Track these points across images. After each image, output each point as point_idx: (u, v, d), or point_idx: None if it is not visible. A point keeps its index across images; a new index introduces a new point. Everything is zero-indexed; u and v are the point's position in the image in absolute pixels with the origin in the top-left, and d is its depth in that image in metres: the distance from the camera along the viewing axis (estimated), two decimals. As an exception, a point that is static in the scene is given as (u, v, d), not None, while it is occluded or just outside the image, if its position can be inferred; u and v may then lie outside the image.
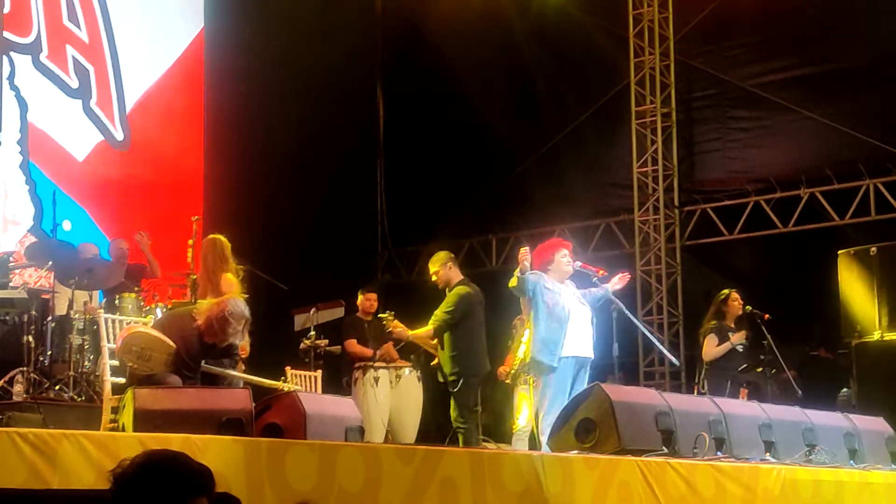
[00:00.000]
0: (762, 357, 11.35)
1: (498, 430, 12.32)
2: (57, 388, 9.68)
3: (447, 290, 10.58)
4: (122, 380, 7.95)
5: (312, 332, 11.33)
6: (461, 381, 10.23)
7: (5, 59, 12.58)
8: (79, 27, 13.48)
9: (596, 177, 15.95)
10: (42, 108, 13.04)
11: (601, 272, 9.72)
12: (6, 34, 12.55)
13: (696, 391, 12.06)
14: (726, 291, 11.76)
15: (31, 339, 9.95)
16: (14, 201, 12.67)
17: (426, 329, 10.50)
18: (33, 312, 10.16)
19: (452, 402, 10.34)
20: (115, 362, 8.08)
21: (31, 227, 12.60)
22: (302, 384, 9.88)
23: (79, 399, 9.55)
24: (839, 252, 12.77)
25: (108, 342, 8.46)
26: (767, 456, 8.43)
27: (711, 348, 11.50)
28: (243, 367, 8.90)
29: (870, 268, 12.35)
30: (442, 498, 6.12)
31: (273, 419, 6.75)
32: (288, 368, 10.09)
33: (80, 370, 9.78)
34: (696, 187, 15.33)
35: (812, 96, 14.04)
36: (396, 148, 17.27)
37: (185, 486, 2.89)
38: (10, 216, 12.63)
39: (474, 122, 16.26)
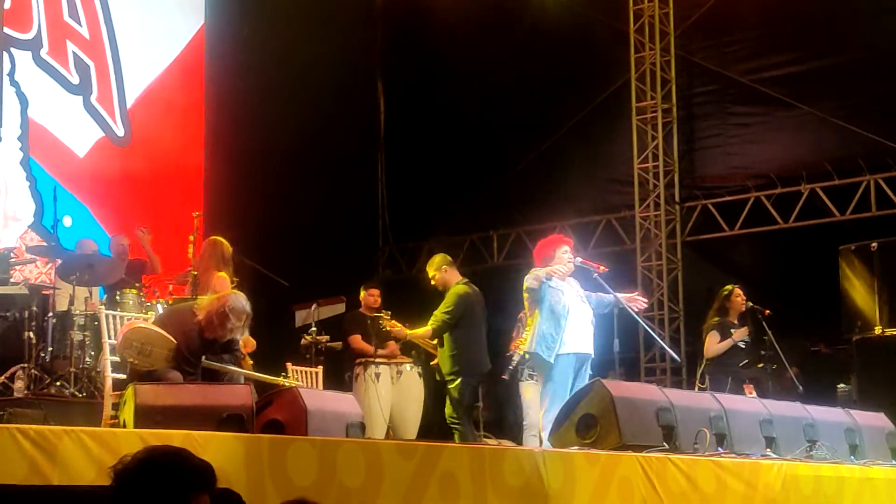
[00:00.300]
0: (763, 353, 11.35)
1: (499, 425, 12.34)
2: (58, 384, 9.68)
3: (446, 291, 10.60)
4: (122, 376, 7.96)
5: (313, 328, 11.33)
6: (459, 381, 10.26)
7: (6, 55, 12.57)
8: (79, 23, 13.47)
9: (596, 173, 15.94)
10: (42, 104, 13.03)
11: (602, 268, 9.70)
12: (6, 30, 12.54)
13: (696, 387, 12.06)
14: (729, 287, 11.75)
15: (31, 335, 9.95)
16: (14, 197, 12.67)
17: (425, 329, 10.52)
18: (34, 308, 10.16)
19: (448, 400, 10.38)
20: (116, 358, 8.09)
21: (31, 224, 12.59)
22: (303, 380, 9.89)
23: (80, 395, 9.56)
24: (840, 248, 12.78)
25: (109, 338, 8.47)
26: (768, 452, 8.44)
27: (713, 345, 11.50)
28: (251, 362, 8.91)
29: (870, 263, 12.36)
30: (442, 494, 6.12)
31: (274, 415, 6.75)
32: (289, 364, 10.10)
33: (80, 366, 9.78)
34: (697, 183, 15.32)
35: (813, 92, 14.03)
36: (397, 143, 17.26)
37: (186, 482, 2.89)
38: (10, 212, 12.62)
39: (475, 118, 16.26)
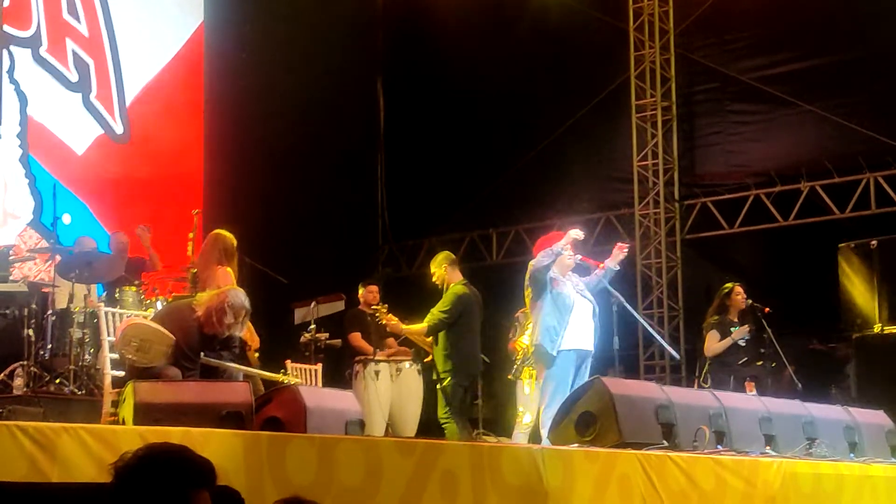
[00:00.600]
0: (762, 351, 11.35)
1: (499, 423, 12.33)
2: (57, 381, 9.68)
3: (446, 289, 10.63)
4: (122, 373, 7.95)
5: (313, 326, 11.32)
6: (451, 380, 10.29)
7: (5, 52, 12.57)
8: (78, 21, 13.47)
9: (596, 170, 15.95)
10: (42, 102, 13.03)
11: (602, 266, 9.73)
12: (6, 28, 12.53)
13: (696, 385, 12.06)
14: (730, 285, 11.75)
15: (31, 332, 9.94)
16: (14, 195, 12.66)
17: (420, 326, 10.55)
18: (33, 306, 10.15)
19: (439, 398, 10.42)
20: (116, 356, 8.08)
21: (30, 221, 12.59)
22: (302, 377, 9.88)
23: (79, 392, 9.55)
24: (839, 245, 12.79)
25: (109, 336, 8.46)
26: (768, 449, 8.44)
27: (713, 344, 11.50)
28: (256, 355, 8.91)
29: (870, 261, 12.36)
30: (442, 491, 6.12)
31: (273, 412, 6.75)
32: (288, 362, 10.09)
33: (80, 364, 9.77)
34: (697, 181, 15.33)
35: (812, 90, 14.03)
36: (397, 141, 17.26)
37: (186, 479, 2.89)
38: (9, 210, 12.62)
39: (474, 116, 16.26)
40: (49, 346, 10.06)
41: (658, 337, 12.16)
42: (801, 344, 13.34)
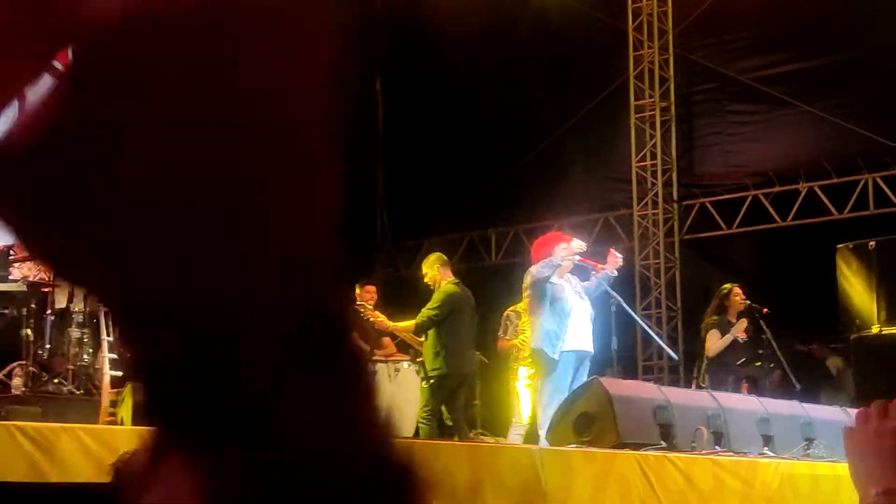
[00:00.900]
0: (761, 351, 11.36)
1: (495, 423, 12.33)
2: (56, 381, 9.67)
3: (436, 288, 10.64)
4: (121, 373, 7.96)
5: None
6: (438, 379, 10.30)
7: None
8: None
9: (595, 171, 15.95)
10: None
11: (600, 267, 9.74)
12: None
13: (694, 385, 12.07)
14: (728, 286, 11.75)
15: (29, 332, 9.93)
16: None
17: (408, 324, 10.57)
18: (32, 306, 10.14)
19: (421, 397, 10.45)
20: (115, 356, 8.09)
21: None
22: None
23: (78, 392, 9.55)
24: (838, 246, 12.79)
25: (108, 336, 8.47)
26: (766, 450, 8.46)
27: (714, 343, 11.49)
28: None
29: (868, 262, 12.37)
30: (440, 492, 6.12)
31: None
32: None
33: (79, 364, 9.76)
34: (695, 181, 15.34)
35: (811, 90, 14.04)
36: (396, 141, 17.26)
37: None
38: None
39: (473, 116, 16.26)
40: (48, 346, 10.05)
41: (656, 337, 12.18)
42: (789, 345, 13.35)
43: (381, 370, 11.01)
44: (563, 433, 7.92)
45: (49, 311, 10.19)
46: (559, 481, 6.65)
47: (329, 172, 0.87)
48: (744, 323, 11.44)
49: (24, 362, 9.74)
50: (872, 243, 12.43)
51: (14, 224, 0.84)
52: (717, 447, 8.08)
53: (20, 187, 0.83)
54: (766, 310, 11.47)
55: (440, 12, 16.17)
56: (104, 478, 2.95)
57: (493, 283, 11.71)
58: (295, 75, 0.86)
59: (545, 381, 9.30)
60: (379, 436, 0.94)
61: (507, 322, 10.93)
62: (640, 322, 11.70)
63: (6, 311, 10.26)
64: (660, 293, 15.07)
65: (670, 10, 15.37)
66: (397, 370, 11.02)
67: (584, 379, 9.00)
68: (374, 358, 11.05)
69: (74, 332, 9.96)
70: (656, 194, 15.25)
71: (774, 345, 11.27)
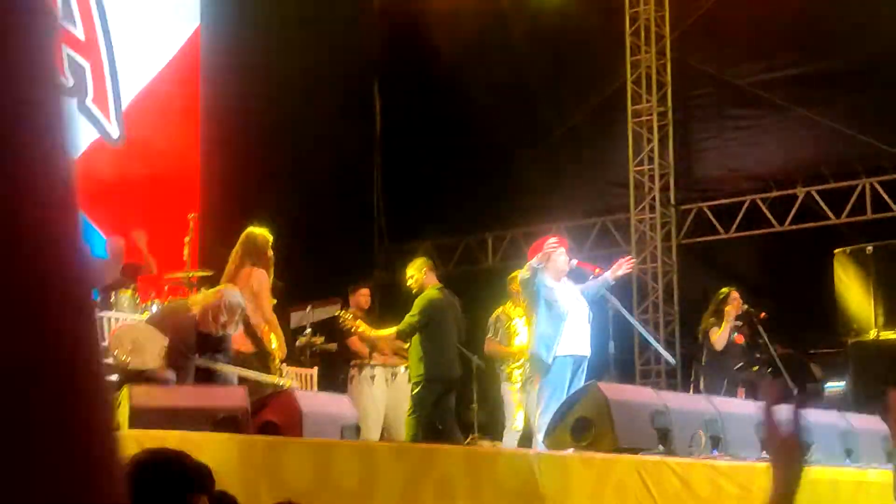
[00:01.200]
0: (758, 356, 11.36)
1: (493, 427, 12.32)
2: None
3: (421, 293, 10.62)
4: (117, 377, 7.94)
5: (308, 330, 11.32)
6: (423, 385, 10.29)
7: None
8: (74, 25, 13.45)
9: (592, 175, 15.96)
10: (38, 105, 13.00)
11: (598, 270, 9.74)
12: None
13: (691, 389, 12.07)
14: (726, 290, 11.75)
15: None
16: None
17: (390, 331, 10.56)
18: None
19: (412, 402, 10.44)
20: (110, 360, 8.07)
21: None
22: (298, 382, 9.88)
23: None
24: (835, 251, 12.80)
25: (104, 340, 8.45)
26: (763, 455, 8.43)
27: (717, 335, 11.45)
28: (279, 366, 8.85)
29: (866, 267, 12.37)
30: (438, 496, 6.12)
31: (269, 417, 6.75)
32: (284, 365, 10.09)
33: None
34: (693, 186, 15.35)
35: (808, 95, 14.05)
36: (394, 144, 17.26)
37: (186, 483, 2.89)
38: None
39: (471, 120, 16.25)
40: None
41: (654, 342, 12.16)
42: (796, 348, 13.35)
43: (380, 374, 11.00)
44: (560, 438, 7.92)
45: (45, 315, 10.18)
46: (557, 486, 6.65)
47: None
48: (738, 303, 11.42)
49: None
50: (870, 248, 12.44)
51: None
52: (714, 452, 8.07)
53: None
54: (763, 314, 11.47)
55: (438, 16, 16.18)
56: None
57: (490, 287, 11.70)
58: None
59: (542, 386, 9.29)
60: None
61: (498, 324, 10.87)
62: (638, 326, 11.68)
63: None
64: (657, 297, 15.06)
65: (668, 16, 15.37)
66: (395, 374, 11.01)
67: (582, 383, 8.99)
68: (373, 362, 11.04)
69: (71, 337, 9.94)
70: (654, 198, 15.25)
71: (772, 349, 11.28)
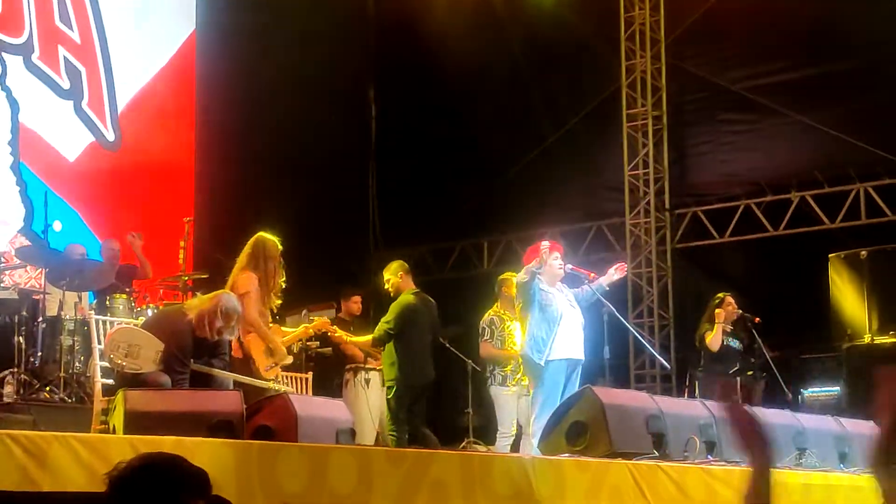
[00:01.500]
0: (753, 360, 11.37)
1: (488, 432, 12.32)
2: (47, 389, 9.65)
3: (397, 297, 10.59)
4: (112, 381, 7.94)
5: (304, 334, 11.31)
6: (395, 390, 10.27)
7: (-3, 59, 12.56)
8: (71, 28, 13.45)
9: (587, 180, 15.97)
10: (33, 109, 13.00)
11: (592, 275, 9.76)
12: (-2, 35, 12.54)
13: (686, 394, 12.07)
14: (721, 295, 11.76)
15: (21, 340, 9.92)
16: (5, 202, 12.64)
17: (366, 338, 10.54)
18: (24, 313, 10.14)
19: (385, 410, 10.42)
20: (106, 363, 8.07)
21: (21, 228, 12.56)
22: (293, 386, 9.87)
23: (69, 400, 9.53)
24: (830, 256, 12.81)
25: (99, 343, 8.45)
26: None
27: (710, 337, 11.46)
28: (279, 371, 8.81)
29: (860, 271, 12.40)
30: (432, 500, 6.12)
31: (264, 421, 6.75)
32: (278, 370, 10.08)
33: (70, 371, 9.75)
34: (687, 190, 15.36)
35: (803, 100, 14.07)
36: (389, 149, 17.27)
37: (182, 488, 2.90)
38: (0, 217, 12.60)
39: (466, 125, 16.27)
40: (39, 354, 10.04)
41: (648, 346, 12.18)
42: (790, 353, 13.36)
43: (374, 378, 11.02)
44: (555, 442, 7.92)
45: (41, 319, 10.18)
46: (551, 491, 6.65)
47: None
48: (728, 299, 11.43)
49: (15, 370, 9.73)
50: (864, 253, 12.46)
51: None
52: (709, 456, 8.07)
53: None
54: (757, 319, 11.48)
55: (433, 21, 16.18)
56: (96, 487, 2.95)
57: (485, 292, 11.69)
58: None
59: (536, 389, 9.30)
60: None
61: (493, 327, 10.84)
62: (633, 331, 11.70)
63: (-2, 319, 10.25)
64: (652, 302, 15.08)
65: (663, 20, 15.39)
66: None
67: (576, 388, 8.99)
68: (368, 366, 11.05)
69: (66, 340, 9.94)
70: (648, 203, 15.27)
71: (766, 354, 11.29)
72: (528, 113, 15.96)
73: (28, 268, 11.53)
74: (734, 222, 14.74)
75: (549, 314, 9.27)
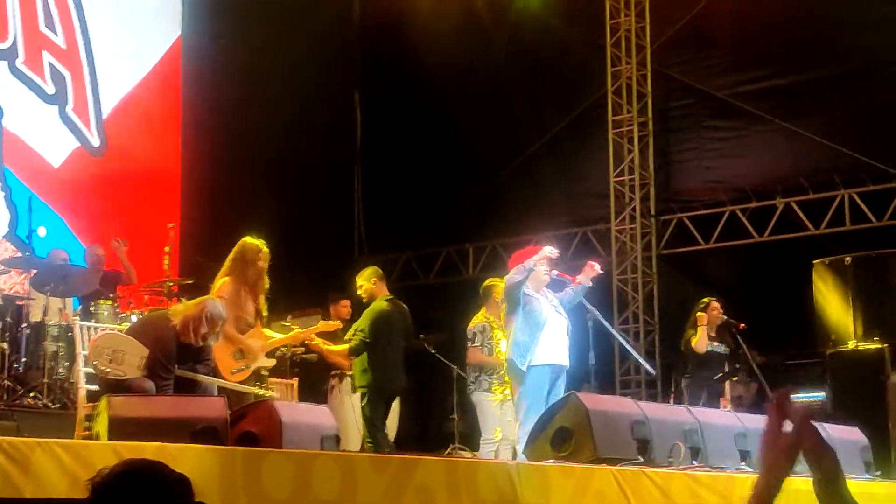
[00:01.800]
0: (738, 366, 11.39)
1: (474, 438, 12.32)
2: (31, 395, 9.62)
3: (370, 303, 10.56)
4: (96, 387, 7.92)
5: (289, 341, 11.28)
6: (367, 397, 10.25)
7: (-19, 64, 12.52)
8: (55, 33, 13.42)
9: (573, 186, 15.98)
10: (18, 114, 12.96)
11: (577, 281, 9.76)
12: (-18, 40, 12.50)
13: (671, 400, 12.08)
14: (706, 300, 11.79)
15: (5, 345, 9.89)
16: (-11, 207, 12.60)
17: (343, 347, 10.51)
18: (8, 319, 10.10)
19: (360, 417, 10.40)
20: (90, 369, 8.04)
21: (5, 234, 12.51)
22: (278, 392, 9.85)
23: (53, 406, 9.51)
24: (814, 262, 12.83)
25: (83, 349, 8.43)
26: (743, 465, 8.45)
27: (696, 339, 11.47)
28: (271, 391, 8.77)
29: (844, 278, 12.40)
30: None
31: (248, 428, 6.73)
32: (249, 372, 10.06)
33: (54, 377, 9.73)
34: (673, 197, 15.39)
35: (788, 107, 14.11)
36: (374, 155, 17.26)
37: (164, 495, 2.88)
38: (-16, 222, 12.55)
39: (451, 131, 16.27)
40: (23, 360, 10.01)
41: (634, 352, 12.18)
42: (775, 359, 13.38)
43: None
44: (540, 448, 7.92)
45: (24, 325, 10.14)
46: (536, 496, 6.65)
47: None
48: (713, 302, 11.46)
49: (-1, 376, 9.69)
50: (848, 259, 12.47)
51: None
52: (694, 462, 8.08)
53: None
54: (742, 325, 11.51)
55: (418, 27, 16.19)
56: (79, 493, 2.93)
57: (471, 298, 11.68)
58: None
59: (520, 395, 9.29)
60: None
61: (484, 334, 10.83)
62: (618, 336, 11.70)
63: (-19, 325, 10.21)
64: (637, 308, 15.09)
65: (648, 27, 15.43)
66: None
67: (561, 394, 8.99)
68: (352, 373, 11.03)
69: (50, 346, 9.91)
70: (634, 209, 15.29)
71: (751, 359, 11.31)
72: (514, 119, 15.97)
73: (12, 273, 11.49)
74: (719, 228, 14.78)
75: (533, 319, 9.26)
